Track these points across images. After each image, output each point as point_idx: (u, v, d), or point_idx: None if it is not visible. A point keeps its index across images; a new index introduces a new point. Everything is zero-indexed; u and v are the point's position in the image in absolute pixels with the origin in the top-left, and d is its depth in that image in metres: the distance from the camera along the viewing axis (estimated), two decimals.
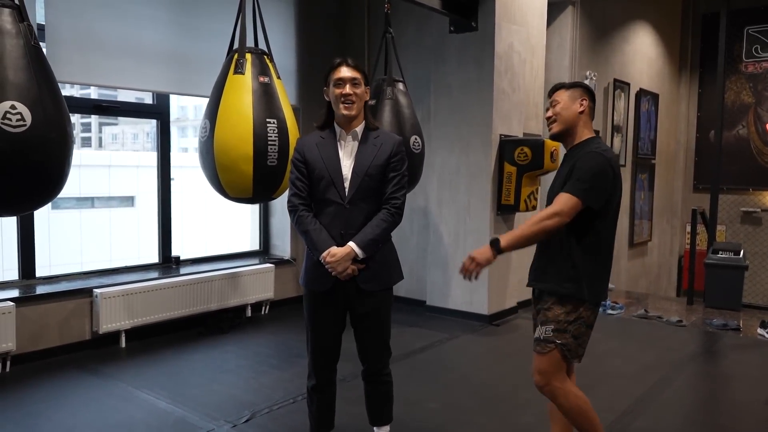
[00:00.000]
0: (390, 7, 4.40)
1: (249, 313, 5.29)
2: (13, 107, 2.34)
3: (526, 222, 2.36)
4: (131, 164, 15.27)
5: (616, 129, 7.59)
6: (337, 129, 2.54)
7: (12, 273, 4.38)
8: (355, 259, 2.46)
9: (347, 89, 2.45)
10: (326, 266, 2.44)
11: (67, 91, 4.44)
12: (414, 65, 5.61)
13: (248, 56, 3.42)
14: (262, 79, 3.41)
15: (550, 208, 2.31)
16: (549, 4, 5.99)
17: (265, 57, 3.51)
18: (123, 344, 4.42)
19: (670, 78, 9.09)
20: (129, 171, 15.06)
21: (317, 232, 2.48)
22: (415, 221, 5.85)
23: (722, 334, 5.13)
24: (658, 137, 8.69)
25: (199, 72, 4.64)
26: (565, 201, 2.28)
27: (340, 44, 5.97)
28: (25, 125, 2.39)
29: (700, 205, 7.38)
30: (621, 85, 7.58)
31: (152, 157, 5.06)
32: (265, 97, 3.41)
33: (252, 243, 6.06)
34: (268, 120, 3.37)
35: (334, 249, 2.44)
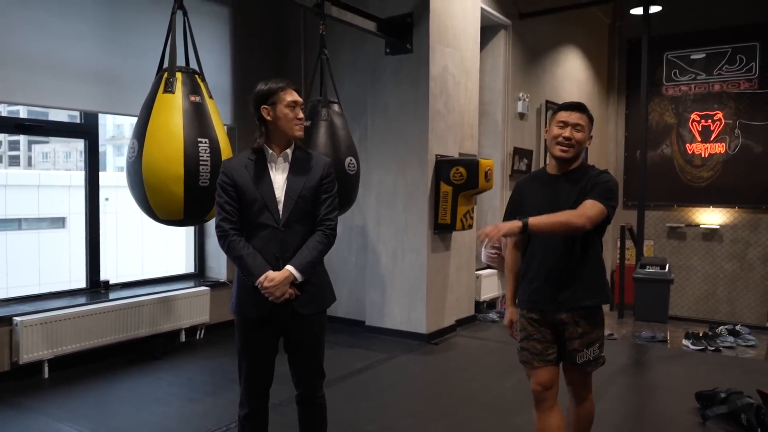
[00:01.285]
0: (325, 28, 4.42)
1: (183, 338, 5.13)
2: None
3: (554, 214, 2.35)
4: (62, 184, 14.66)
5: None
6: (267, 151, 2.51)
7: None
8: (293, 282, 2.42)
9: (300, 113, 2.48)
10: (263, 291, 2.40)
11: None
12: (351, 86, 5.65)
13: (179, 75, 3.36)
14: (193, 98, 3.35)
15: (579, 209, 2.34)
16: (482, 28, 6.16)
17: (197, 76, 3.45)
18: (46, 375, 4.19)
19: (599, 99, 9.49)
20: (60, 191, 14.45)
21: (252, 256, 2.42)
22: (354, 240, 5.84)
23: (650, 346, 5.32)
24: (589, 157, 9.03)
25: (129, 90, 4.52)
26: (594, 208, 2.33)
27: (276, 65, 5.95)
28: None
29: (629, 222, 7.69)
30: (552, 106, 7.84)
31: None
32: (197, 117, 3.34)
33: (188, 265, 5.90)
34: (199, 139, 3.30)
35: (271, 273, 2.39)
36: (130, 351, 4.70)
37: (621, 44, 9.70)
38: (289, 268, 2.41)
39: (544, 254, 2.48)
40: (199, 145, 3.29)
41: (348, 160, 4.44)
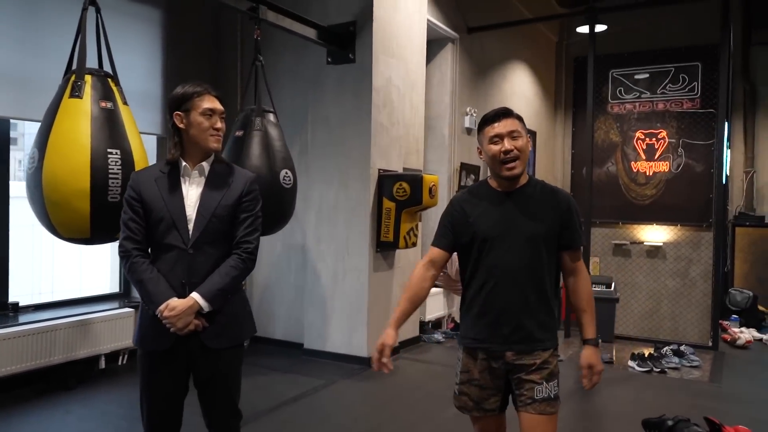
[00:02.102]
0: (260, 33, 4.15)
1: (103, 364, 4.70)
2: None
3: (588, 305, 2.23)
4: None
5: None
6: (181, 163, 2.22)
7: None
8: (199, 312, 2.14)
9: (219, 122, 2.21)
10: (164, 321, 2.10)
11: None
12: (291, 96, 5.39)
13: (88, 78, 3.02)
14: (103, 104, 3.02)
15: (580, 276, 2.23)
16: (429, 41, 6.00)
17: (109, 80, 3.12)
18: None
19: (547, 116, 9.49)
20: None
21: (154, 281, 2.14)
22: (293, 258, 5.54)
23: None
24: (536, 173, 8.99)
25: (43, 95, 4.10)
26: (582, 261, 2.27)
27: (210, 70, 5.63)
28: None
29: None
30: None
31: None
32: (108, 125, 3.01)
33: (111, 285, 5.48)
34: (109, 150, 2.97)
35: (173, 301, 2.11)
36: (40, 380, 4.26)
37: (568, 62, 9.75)
38: (194, 295, 2.13)
39: (502, 284, 2.13)
40: (109, 156, 2.96)
41: (283, 173, 4.16)
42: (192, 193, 2.21)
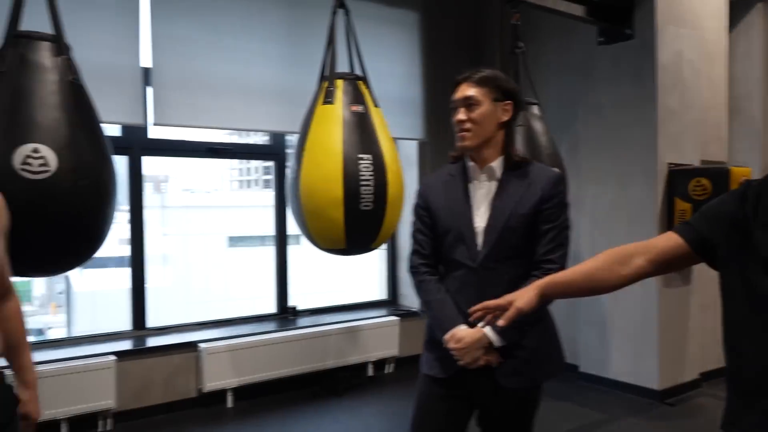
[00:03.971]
0: (519, 17, 3.70)
1: (371, 371, 4.73)
2: (35, 151, 2.02)
3: None
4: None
5: None
6: (469, 164, 1.88)
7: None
8: (490, 345, 1.78)
9: (459, 114, 1.83)
10: (451, 352, 1.79)
11: (181, 134, 4.28)
12: (557, 86, 4.81)
13: (339, 83, 2.93)
14: (354, 108, 2.90)
15: None
16: (730, 3, 4.87)
17: (360, 82, 2.99)
18: (230, 404, 4.07)
19: None
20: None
21: (440, 304, 1.84)
22: None
23: None
24: None
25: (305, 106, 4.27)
26: None
27: (470, 66, 5.32)
28: (48, 171, 2.05)
29: None
30: None
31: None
32: (359, 129, 2.88)
33: (380, 292, 5.55)
34: (360, 156, 2.82)
35: (460, 331, 1.78)
36: (314, 383, 4.42)
37: None
38: (483, 328, 1.75)
39: None
40: (360, 162, 2.81)
41: None
42: (482, 199, 1.85)
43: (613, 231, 4.39)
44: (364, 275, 5.78)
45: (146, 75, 3.76)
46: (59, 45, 2.21)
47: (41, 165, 2.02)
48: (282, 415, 3.94)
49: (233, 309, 5.08)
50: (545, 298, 1.53)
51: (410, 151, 5.16)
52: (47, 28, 2.24)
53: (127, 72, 3.59)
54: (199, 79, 3.93)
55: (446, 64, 5.16)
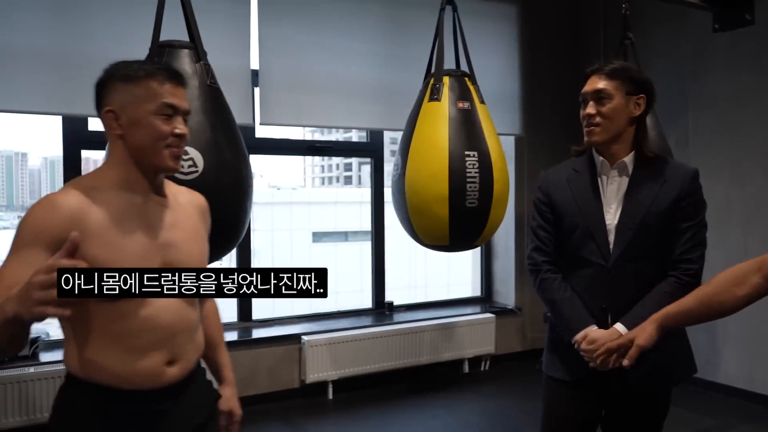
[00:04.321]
0: (628, 7, 3.56)
1: (466, 368, 4.72)
2: (185, 153, 2.15)
3: None
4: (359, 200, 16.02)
5: None
6: (597, 159, 1.84)
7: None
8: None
9: (589, 108, 1.79)
10: (581, 353, 1.77)
11: (289, 133, 4.43)
12: (665, 77, 4.58)
13: (445, 80, 2.93)
14: (461, 104, 2.89)
15: None
16: None
17: (466, 79, 2.98)
18: (330, 396, 4.18)
19: None
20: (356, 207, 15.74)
21: (568, 304, 1.81)
22: None
23: None
24: None
25: (406, 104, 4.30)
26: None
27: (570, 59, 5.16)
28: (197, 171, 2.19)
29: None
30: None
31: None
32: (465, 126, 2.88)
33: (474, 288, 5.51)
34: (466, 153, 2.82)
35: (593, 332, 1.74)
36: (409, 378, 4.45)
37: None
38: (618, 327, 1.72)
39: None
40: (467, 159, 2.81)
41: None
42: (612, 196, 1.80)
43: (727, 228, 4.15)
44: (456, 271, 5.77)
45: (254, 76, 3.92)
46: (197, 51, 2.34)
47: (190, 166, 2.16)
48: (381, 409, 4.00)
49: (321, 303, 5.19)
50: (664, 331, 1.53)
51: (506, 146, 5.07)
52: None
53: (239, 74, 3.74)
54: (303, 78, 4.04)
55: (545, 57, 5.05)
